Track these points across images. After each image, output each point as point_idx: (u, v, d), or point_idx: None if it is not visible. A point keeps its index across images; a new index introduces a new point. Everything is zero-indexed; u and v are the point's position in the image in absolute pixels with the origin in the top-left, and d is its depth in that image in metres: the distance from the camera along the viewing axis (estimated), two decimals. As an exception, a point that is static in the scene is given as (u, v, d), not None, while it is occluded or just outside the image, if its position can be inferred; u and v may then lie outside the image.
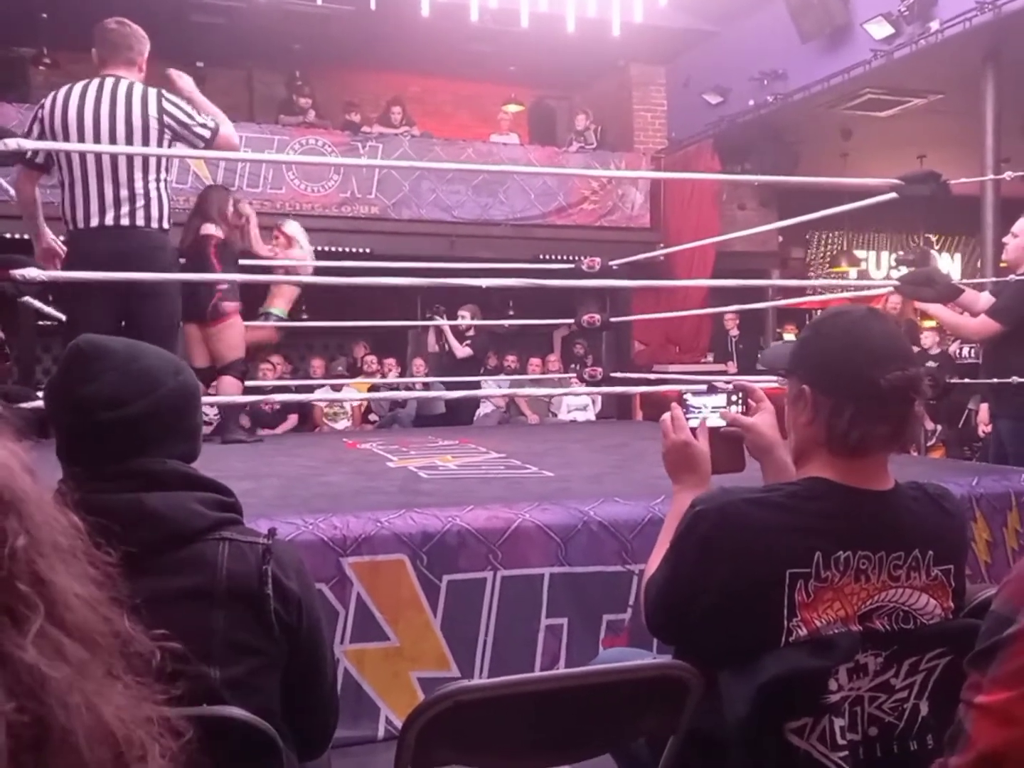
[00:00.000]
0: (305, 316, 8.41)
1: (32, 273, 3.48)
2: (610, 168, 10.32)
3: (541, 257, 9.15)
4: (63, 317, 5.29)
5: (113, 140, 3.67)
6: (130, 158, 3.68)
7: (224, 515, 1.38)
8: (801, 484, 1.45)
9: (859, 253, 13.29)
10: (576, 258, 6.60)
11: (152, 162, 3.76)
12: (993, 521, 3.40)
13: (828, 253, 13.36)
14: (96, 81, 3.72)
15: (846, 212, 4.90)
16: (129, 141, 3.68)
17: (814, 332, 1.52)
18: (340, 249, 9.15)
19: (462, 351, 8.62)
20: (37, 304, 4.72)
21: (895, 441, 1.44)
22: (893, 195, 4.23)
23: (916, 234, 13.41)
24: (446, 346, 8.83)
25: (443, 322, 8.67)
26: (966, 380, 5.37)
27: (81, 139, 3.65)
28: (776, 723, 1.34)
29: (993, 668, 1.00)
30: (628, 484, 3.51)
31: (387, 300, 9.07)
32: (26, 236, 7.01)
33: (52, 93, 3.76)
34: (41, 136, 3.69)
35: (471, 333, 8.74)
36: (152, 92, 3.80)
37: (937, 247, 13.48)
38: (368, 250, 9.20)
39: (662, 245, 9.65)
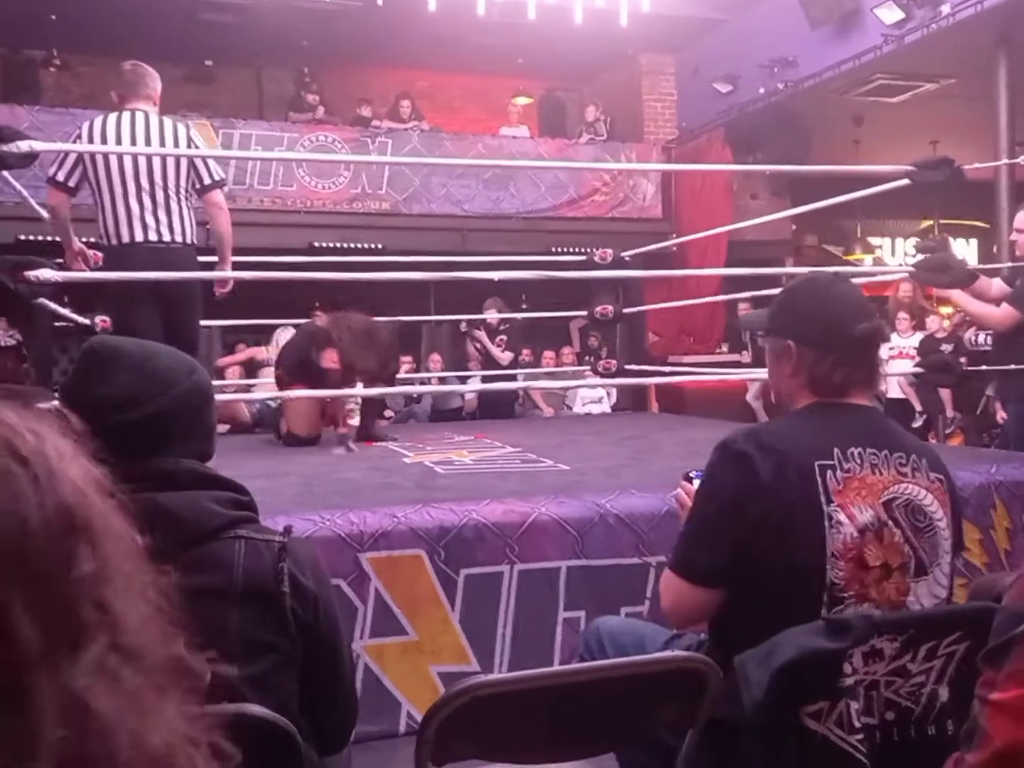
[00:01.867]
0: (318, 313, 8.42)
1: (47, 274, 3.51)
2: (620, 159, 10.28)
3: (553, 250, 9.13)
4: (80, 319, 5.34)
5: (149, 167, 3.91)
6: (165, 180, 3.94)
7: (240, 513, 1.38)
8: (801, 410, 1.68)
9: (873, 240, 13.20)
10: (588, 250, 6.59)
11: (183, 184, 4.00)
12: (1012, 508, 3.37)
13: (842, 241, 13.28)
14: (127, 114, 3.98)
15: (859, 199, 4.86)
16: (163, 168, 3.93)
17: (791, 296, 1.76)
18: (351, 245, 9.15)
19: (504, 357, 8.54)
20: (52, 306, 4.75)
21: (870, 384, 1.68)
22: (906, 181, 4.20)
23: (931, 220, 13.32)
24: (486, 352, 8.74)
25: (482, 337, 8.58)
26: (983, 367, 5.32)
27: (120, 165, 3.89)
28: (792, 707, 1.35)
29: (1008, 665, 0.98)
30: (644, 476, 3.50)
31: (400, 295, 9.06)
32: (40, 238, 7.10)
33: (86, 124, 3.98)
34: (79, 163, 3.90)
35: (504, 328, 8.66)
36: (181, 126, 4.11)
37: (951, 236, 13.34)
38: (380, 246, 9.19)
39: (674, 235, 9.61)
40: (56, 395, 1.75)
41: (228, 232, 4.17)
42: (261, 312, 6.65)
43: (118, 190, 3.90)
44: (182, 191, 4.00)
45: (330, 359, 4.76)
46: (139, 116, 3.99)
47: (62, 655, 0.54)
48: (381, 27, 9.60)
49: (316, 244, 9.04)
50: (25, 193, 5.02)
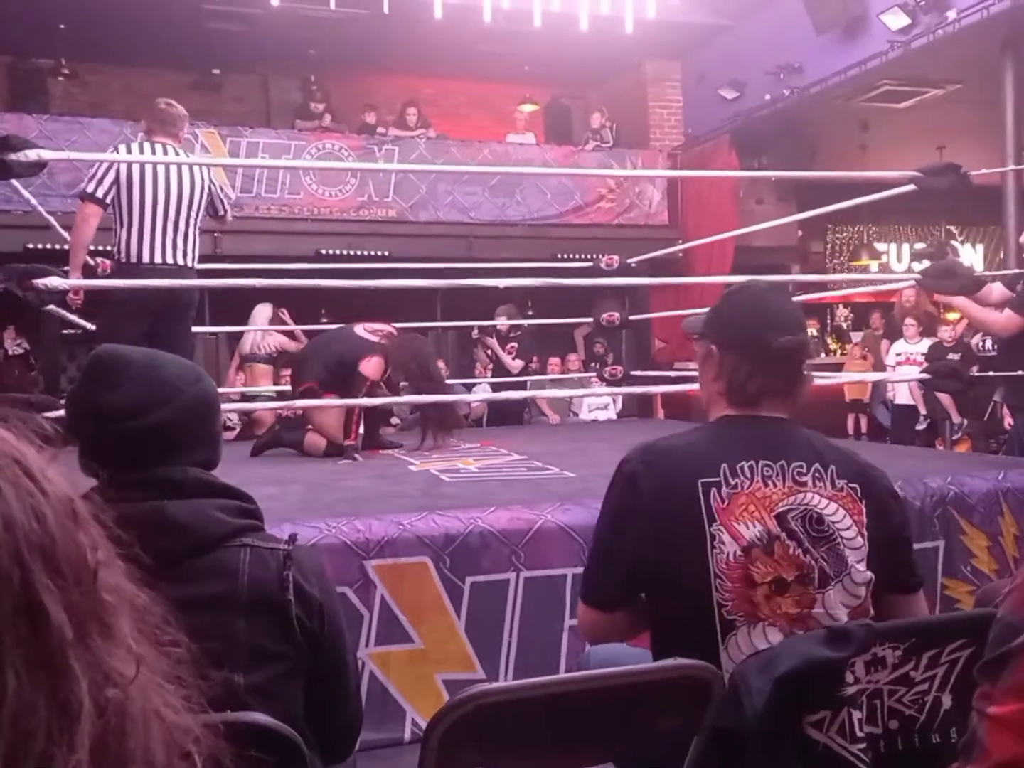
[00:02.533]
0: (325, 320, 8.44)
1: (55, 282, 3.52)
2: (627, 166, 10.28)
3: (559, 257, 9.12)
4: (89, 326, 5.37)
5: (179, 198, 4.33)
6: (190, 211, 4.37)
7: (245, 522, 1.38)
8: (709, 423, 1.70)
9: (879, 246, 13.19)
10: (594, 257, 6.59)
11: (201, 214, 4.48)
12: (1020, 515, 3.36)
13: (848, 247, 13.27)
14: (159, 147, 4.39)
15: (866, 205, 4.86)
16: (191, 200, 4.37)
17: (723, 302, 1.75)
18: (358, 252, 9.17)
19: (515, 365, 8.46)
20: (61, 313, 4.77)
21: (789, 397, 1.65)
22: (913, 187, 4.20)
23: (937, 226, 13.30)
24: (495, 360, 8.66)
25: (493, 344, 8.52)
26: (990, 373, 5.31)
27: (154, 193, 4.27)
28: (794, 716, 1.35)
29: (1004, 678, 0.97)
30: (649, 483, 3.49)
31: (406, 302, 9.09)
32: (47, 246, 7.13)
33: (123, 147, 4.44)
34: (115, 183, 4.23)
35: (515, 335, 8.59)
36: (207, 167, 4.60)
37: (960, 239, 13.32)
38: (386, 253, 9.21)
39: (680, 242, 9.60)
40: (63, 403, 1.76)
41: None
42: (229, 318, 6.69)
43: (148, 214, 4.25)
44: (200, 220, 4.47)
45: (370, 369, 4.69)
46: (171, 151, 4.40)
47: (95, 636, 0.58)
48: (387, 35, 9.63)
49: (323, 251, 9.06)
50: (34, 202, 5.04)
